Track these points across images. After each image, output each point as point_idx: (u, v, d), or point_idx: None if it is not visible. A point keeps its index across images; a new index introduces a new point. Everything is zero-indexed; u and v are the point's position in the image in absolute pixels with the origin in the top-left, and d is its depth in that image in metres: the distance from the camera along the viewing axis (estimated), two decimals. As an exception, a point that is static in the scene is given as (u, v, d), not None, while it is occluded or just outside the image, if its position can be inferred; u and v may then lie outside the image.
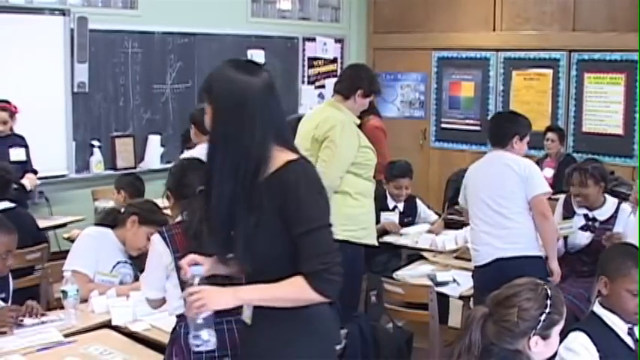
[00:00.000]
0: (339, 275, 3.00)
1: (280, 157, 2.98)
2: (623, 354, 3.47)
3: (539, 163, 9.51)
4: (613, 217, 6.09)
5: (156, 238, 3.71)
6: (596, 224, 6.09)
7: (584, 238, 6.09)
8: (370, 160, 5.65)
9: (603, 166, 6.34)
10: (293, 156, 3.01)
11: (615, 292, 3.52)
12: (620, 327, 3.52)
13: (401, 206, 7.12)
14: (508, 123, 5.86)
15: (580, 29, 10.53)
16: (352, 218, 5.53)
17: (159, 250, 3.67)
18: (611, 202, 6.17)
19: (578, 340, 3.45)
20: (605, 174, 6.23)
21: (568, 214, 6.23)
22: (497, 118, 6.24)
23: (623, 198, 8.25)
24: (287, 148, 3.04)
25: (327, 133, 5.53)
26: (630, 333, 3.54)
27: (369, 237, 5.63)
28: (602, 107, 10.31)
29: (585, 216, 6.14)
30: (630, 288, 3.48)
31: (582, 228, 6.11)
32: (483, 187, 5.56)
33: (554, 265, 5.46)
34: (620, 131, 10.17)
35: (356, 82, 5.69)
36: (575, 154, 9.82)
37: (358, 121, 5.68)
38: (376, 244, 5.78)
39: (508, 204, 5.40)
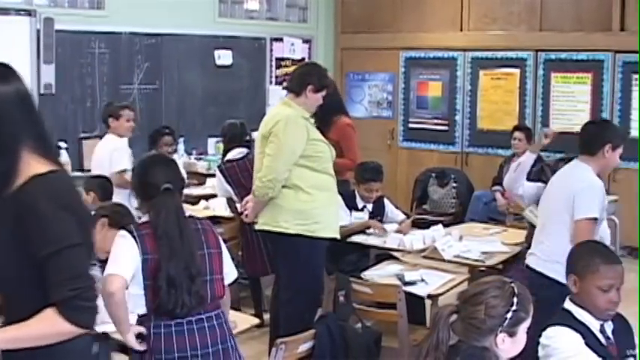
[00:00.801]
0: (94, 301, 2.68)
1: (30, 170, 2.68)
2: (595, 349, 3.49)
3: (507, 162, 9.56)
4: None
5: (126, 235, 3.70)
6: None
7: None
8: (322, 152, 5.65)
9: None
10: (44, 168, 2.69)
11: (585, 290, 3.54)
12: (591, 323, 3.55)
13: (370, 206, 7.12)
14: (601, 130, 5.44)
15: (547, 29, 10.60)
16: (304, 212, 5.57)
17: (130, 243, 3.67)
18: None
19: (562, 332, 3.48)
20: None
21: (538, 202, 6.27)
22: (589, 125, 5.78)
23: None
24: (47, 159, 2.74)
25: (272, 128, 5.60)
26: (602, 330, 3.56)
27: (324, 230, 5.64)
28: (569, 106, 10.38)
29: None
30: (600, 284, 3.50)
31: None
32: (546, 192, 5.48)
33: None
34: (587, 130, 10.21)
35: (305, 79, 5.73)
36: (542, 153, 9.85)
37: (308, 115, 5.69)
38: (334, 236, 5.78)
39: (551, 218, 5.23)
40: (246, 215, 5.96)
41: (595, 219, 4.98)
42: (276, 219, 5.62)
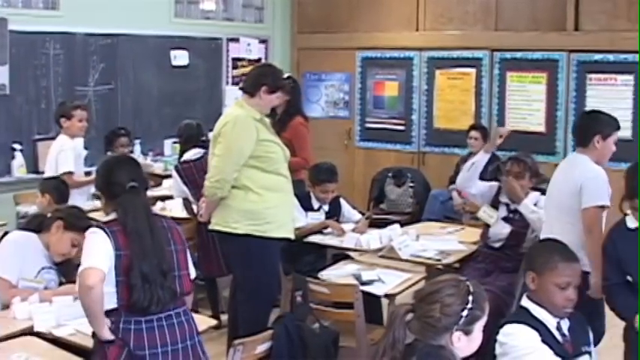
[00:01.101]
0: None
1: None
2: (552, 346, 3.52)
3: (463, 161, 9.60)
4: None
5: (98, 231, 3.69)
6: (517, 217, 6.17)
7: (504, 229, 6.18)
8: (273, 152, 5.65)
9: (535, 162, 6.44)
10: None
11: (543, 287, 3.57)
12: (548, 321, 3.58)
13: (326, 207, 7.12)
14: (589, 121, 5.60)
15: (502, 29, 10.66)
16: (254, 213, 5.57)
17: (103, 238, 3.66)
18: (532, 196, 6.25)
19: (519, 329, 3.50)
20: (538, 171, 6.35)
21: (495, 202, 6.32)
22: (580, 117, 6.03)
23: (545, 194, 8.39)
24: None
25: (221, 129, 5.62)
26: (558, 327, 3.59)
27: (275, 230, 5.64)
28: (525, 105, 10.45)
29: (507, 207, 6.23)
30: (558, 282, 3.53)
31: (504, 219, 6.19)
32: (550, 191, 5.57)
33: (594, 281, 4.97)
34: (542, 129, 10.32)
35: (260, 80, 5.73)
36: (498, 152, 9.91)
37: (260, 116, 5.68)
38: (287, 236, 5.78)
39: (562, 215, 5.31)
40: (201, 215, 5.98)
41: (603, 207, 5.17)
42: (227, 219, 5.62)
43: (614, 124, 5.57)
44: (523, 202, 6.14)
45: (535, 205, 6.20)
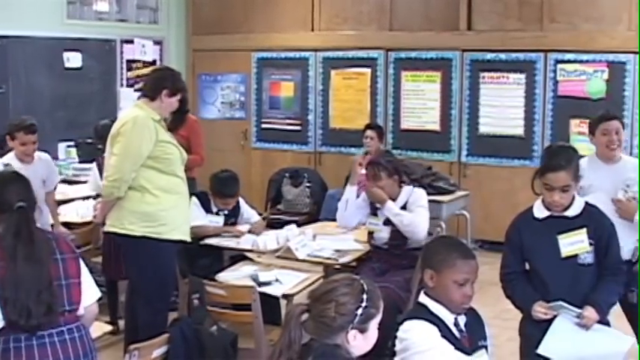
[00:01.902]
0: None
1: None
2: (450, 342, 3.53)
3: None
4: (406, 204, 6.25)
5: None
6: None
7: (384, 232, 6.24)
8: (171, 154, 5.61)
9: (396, 160, 6.47)
10: None
11: (442, 284, 3.57)
12: (446, 317, 3.59)
13: (225, 210, 7.08)
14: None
15: (397, 29, 10.76)
16: (150, 215, 5.52)
17: None
18: (405, 191, 6.30)
19: (418, 325, 3.50)
20: (398, 167, 6.37)
21: (373, 210, 6.34)
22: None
23: (443, 192, 8.49)
24: None
25: (120, 129, 5.56)
26: (456, 323, 3.61)
27: (171, 232, 5.60)
28: (420, 104, 10.57)
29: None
30: (456, 279, 3.54)
31: (385, 223, 6.22)
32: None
33: None
34: (437, 127, 10.46)
35: (160, 83, 5.71)
36: (394, 151, 10.01)
37: (159, 117, 5.63)
38: (182, 238, 5.73)
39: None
40: (94, 216, 5.91)
41: None
42: (122, 221, 5.56)
43: (599, 118, 5.74)
44: (386, 205, 6.19)
45: (406, 203, 6.24)
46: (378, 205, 6.31)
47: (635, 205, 4.96)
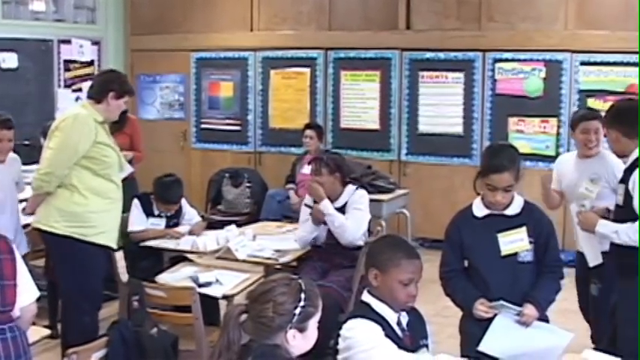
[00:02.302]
0: None
1: None
2: (395, 341, 3.54)
3: (299, 160, 9.66)
4: (347, 203, 6.24)
5: None
6: None
7: (323, 230, 6.23)
8: (107, 157, 5.56)
9: (340, 158, 6.44)
10: None
11: (387, 284, 3.58)
12: (389, 316, 3.59)
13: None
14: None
15: (336, 28, 10.78)
16: (76, 215, 5.48)
17: None
18: (348, 190, 6.29)
19: (361, 323, 3.50)
20: (342, 165, 6.35)
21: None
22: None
23: (383, 191, 8.51)
24: None
25: (59, 124, 5.53)
26: (398, 322, 3.62)
27: (97, 236, 5.56)
28: (359, 104, 10.60)
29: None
30: (401, 278, 3.55)
31: (324, 221, 6.21)
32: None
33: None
34: (376, 126, 10.49)
35: (107, 86, 5.67)
36: (334, 150, 10.03)
37: (101, 119, 5.58)
38: (108, 244, 5.69)
39: None
40: (24, 209, 5.86)
41: None
42: (48, 218, 5.51)
43: (577, 117, 5.98)
44: (322, 203, 6.19)
45: (346, 203, 6.25)
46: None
47: (594, 218, 4.97)
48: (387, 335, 3.53)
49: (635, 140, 4.77)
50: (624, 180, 4.76)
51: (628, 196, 4.68)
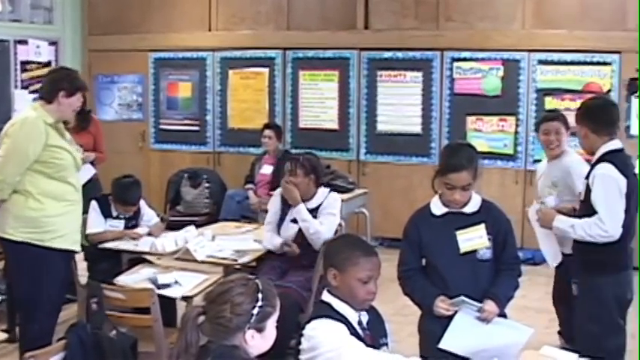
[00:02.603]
0: None
1: None
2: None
3: (258, 160, 9.66)
4: (320, 206, 6.22)
5: None
6: None
7: (291, 229, 6.20)
8: (61, 159, 5.46)
9: (316, 160, 6.42)
10: None
11: (346, 283, 3.58)
12: (350, 315, 3.59)
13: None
14: None
15: (294, 28, 10.79)
16: (33, 221, 5.37)
17: None
18: (322, 192, 6.28)
19: (325, 323, 3.50)
20: (317, 166, 6.32)
21: (286, 208, 6.31)
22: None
23: (342, 191, 8.51)
24: None
25: (7, 130, 5.42)
26: (359, 322, 3.62)
27: (56, 240, 5.46)
28: (318, 103, 10.60)
29: (291, 207, 6.23)
30: (360, 276, 3.55)
31: (294, 220, 6.19)
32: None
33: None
34: (335, 126, 10.51)
35: (57, 85, 5.54)
36: (293, 150, 10.03)
37: (53, 120, 5.49)
38: (71, 248, 5.60)
39: None
40: None
41: None
42: (3, 225, 5.41)
43: (540, 118, 6.18)
44: (298, 207, 6.15)
45: (320, 205, 6.23)
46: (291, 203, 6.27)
47: (552, 213, 5.04)
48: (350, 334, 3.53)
49: (603, 137, 4.87)
50: (588, 175, 4.85)
51: (588, 191, 4.76)
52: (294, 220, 6.17)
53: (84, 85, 5.81)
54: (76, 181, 5.64)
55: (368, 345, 3.59)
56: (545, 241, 5.67)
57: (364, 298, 3.59)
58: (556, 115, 6.06)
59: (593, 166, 4.86)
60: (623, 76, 8.70)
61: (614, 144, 4.89)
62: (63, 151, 5.49)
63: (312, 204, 6.22)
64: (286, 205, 6.29)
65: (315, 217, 6.14)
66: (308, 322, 3.57)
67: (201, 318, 2.90)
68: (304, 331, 3.53)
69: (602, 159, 4.82)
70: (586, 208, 4.80)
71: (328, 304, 3.63)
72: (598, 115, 4.98)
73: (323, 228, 6.08)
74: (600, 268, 4.83)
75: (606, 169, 4.75)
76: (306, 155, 6.43)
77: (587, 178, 4.88)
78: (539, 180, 6.25)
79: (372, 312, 3.77)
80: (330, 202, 6.27)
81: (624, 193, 4.74)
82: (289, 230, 6.23)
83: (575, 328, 5.10)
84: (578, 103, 8.84)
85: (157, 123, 11.69)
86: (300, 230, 6.14)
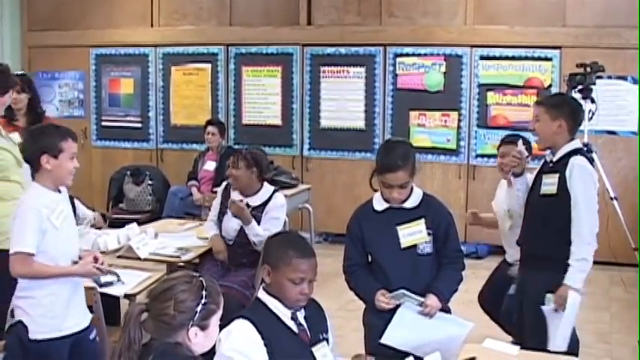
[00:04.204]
0: None
1: None
2: (287, 338, 3.52)
3: (201, 156, 9.62)
4: (265, 204, 6.17)
5: None
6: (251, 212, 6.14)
7: (234, 224, 6.12)
8: (1, 160, 5.36)
9: (260, 154, 6.35)
10: None
11: (278, 281, 3.55)
12: (283, 312, 3.57)
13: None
14: None
15: (236, 24, 10.77)
16: None
17: None
18: (266, 189, 6.23)
19: (240, 327, 3.46)
20: (260, 160, 6.22)
21: (226, 203, 6.25)
22: None
23: (285, 187, 8.50)
24: None
25: None
26: (293, 317, 3.59)
27: (5, 242, 5.30)
28: (261, 99, 10.59)
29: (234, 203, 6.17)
30: (292, 277, 3.52)
31: (236, 215, 6.14)
32: None
33: None
34: (278, 122, 10.51)
35: None
36: (236, 146, 10.01)
37: None
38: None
39: None
40: None
41: None
42: None
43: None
44: (250, 225, 6.03)
45: (266, 203, 6.19)
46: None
47: (563, 294, 5.00)
48: (279, 332, 3.50)
49: (571, 136, 4.93)
50: (555, 170, 4.89)
51: (564, 183, 4.80)
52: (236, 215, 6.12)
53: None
54: (20, 178, 5.46)
55: (303, 341, 3.58)
56: (508, 240, 5.81)
57: (296, 298, 3.56)
58: (512, 139, 5.93)
59: (558, 163, 4.90)
60: (564, 72, 8.77)
61: (577, 143, 4.98)
62: (4, 151, 5.39)
63: (256, 200, 6.15)
64: (226, 200, 6.24)
65: (258, 215, 6.10)
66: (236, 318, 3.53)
67: (144, 315, 2.87)
68: (226, 328, 3.48)
69: (573, 154, 4.87)
70: (559, 203, 4.82)
71: (261, 302, 3.61)
72: (578, 115, 5.07)
73: (267, 233, 6.02)
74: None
75: (583, 161, 4.83)
76: (251, 149, 6.38)
77: (553, 172, 4.91)
78: (498, 200, 6.24)
79: (312, 306, 3.75)
80: (277, 205, 6.20)
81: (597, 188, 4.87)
82: (230, 223, 6.15)
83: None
84: (519, 98, 9.06)
85: (98, 120, 11.59)
86: (242, 229, 6.09)
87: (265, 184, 6.26)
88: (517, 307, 5.15)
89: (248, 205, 6.08)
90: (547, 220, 4.89)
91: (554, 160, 4.94)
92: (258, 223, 6.04)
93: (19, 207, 4.23)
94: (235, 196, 6.19)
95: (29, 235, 4.15)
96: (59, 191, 4.36)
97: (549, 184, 4.90)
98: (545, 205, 4.92)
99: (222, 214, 6.27)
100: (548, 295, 4.78)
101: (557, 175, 4.86)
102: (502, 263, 6.24)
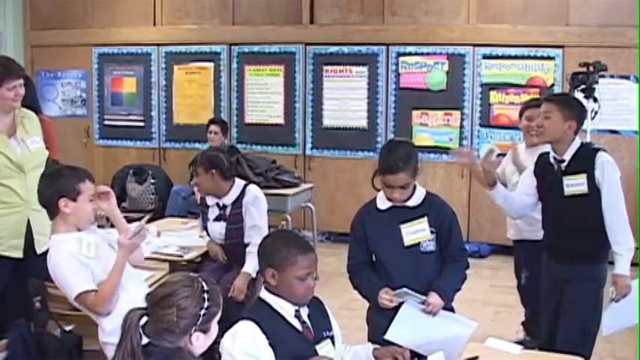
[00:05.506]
0: None
1: None
2: (291, 337, 3.52)
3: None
4: (239, 200, 6.06)
5: None
6: (227, 211, 6.09)
7: (222, 228, 6.09)
8: None
9: (216, 155, 6.21)
10: None
11: (285, 281, 3.54)
12: (287, 310, 3.57)
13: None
14: None
15: (239, 23, 10.76)
16: None
17: None
18: (237, 185, 6.12)
19: (244, 328, 3.46)
20: (216, 161, 5.99)
21: (205, 209, 6.21)
22: None
23: (288, 186, 8.50)
24: None
25: None
26: (297, 316, 3.60)
27: None
28: (263, 98, 10.59)
29: (217, 205, 6.11)
30: (299, 274, 3.52)
31: (217, 219, 6.12)
32: None
33: None
34: (281, 121, 10.50)
35: None
36: (239, 145, 10.03)
37: None
38: (6, 254, 5.40)
39: None
40: None
41: None
42: None
43: (523, 104, 6.34)
44: (243, 276, 5.95)
45: (238, 198, 6.08)
46: (208, 202, 6.17)
47: (623, 280, 5.04)
48: (283, 331, 3.50)
49: (575, 136, 5.00)
50: (577, 170, 4.93)
51: (593, 181, 4.88)
52: (217, 218, 6.10)
53: (12, 74, 5.42)
54: (13, 181, 5.38)
55: (307, 339, 3.58)
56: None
57: (304, 294, 3.57)
58: (538, 103, 5.80)
59: (582, 160, 4.94)
60: (566, 71, 8.77)
61: (579, 141, 5.03)
62: None
63: (230, 198, 6.05)
64: (205, 206, 6.21)
65: (237, 212, 6.03)
66: (238, 320, 3.53)
67: (144, 319, 2.84)
68: (230, 330, 3.48)
69: (591, 151, 4.96)
70: (593, 202, 4.90)
71: (264, 302, 3.61)
72: (584, 118, 5.18)
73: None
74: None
75: (608, 156, 4.94)
76: (207, 152, 6.28)
77: (581, 172, 4.93)
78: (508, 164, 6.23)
79: (315, 304, 3.75)
80: (251, 198, 6.05)
81: None
82: (215, 227, 6.11)
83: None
84: (522, 98, 9.04)
85: (101, 119, 11.59)
86: (228, 230, 6.04)
87: (237, 180, 6.14)
88: (551, 303, 5.16)
89: (224, 206, 6.07)
90: (581, 219, 4.95)
91: (566, 159, 4.97)
92: (241, 220, 6.01)
93: (49, 263, 4.24)
94: (209, 200, 6.15)
95: (74, 278, 4.18)
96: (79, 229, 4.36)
97: (576, 185, 4.94)
98: (577, 205, 4.95)
99: (204, 220, 6.25)
100: (611, 289, 4.91)
101: (583, 175, 4.90)
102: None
